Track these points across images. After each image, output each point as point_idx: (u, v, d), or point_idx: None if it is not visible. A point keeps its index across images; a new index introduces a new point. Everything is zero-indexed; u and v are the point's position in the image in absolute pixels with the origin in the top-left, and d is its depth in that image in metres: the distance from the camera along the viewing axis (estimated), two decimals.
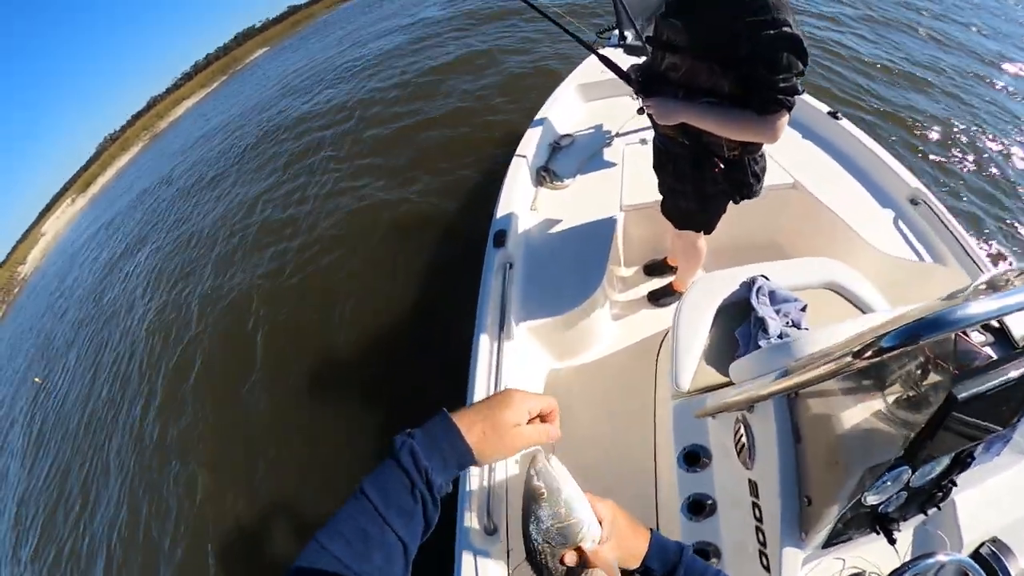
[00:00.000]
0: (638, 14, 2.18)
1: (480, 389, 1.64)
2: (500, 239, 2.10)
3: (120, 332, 6.02)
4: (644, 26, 2.11)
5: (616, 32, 2.55)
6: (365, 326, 3.51)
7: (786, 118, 1.29)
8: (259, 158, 8.00)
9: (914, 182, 2.13)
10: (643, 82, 1.52)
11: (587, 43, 1.75)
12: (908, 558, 0.83)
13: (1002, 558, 0.99)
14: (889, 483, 0.81)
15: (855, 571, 0.98)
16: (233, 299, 4.73)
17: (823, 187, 2.20)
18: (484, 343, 1.76)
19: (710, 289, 1.51)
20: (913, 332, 0.58)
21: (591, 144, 2.74)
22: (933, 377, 0.76)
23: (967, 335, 0.87)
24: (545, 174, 2.53)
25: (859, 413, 0.79)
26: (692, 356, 1.38)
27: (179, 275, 6.09)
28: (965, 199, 3.80)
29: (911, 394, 0.77)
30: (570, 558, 0.56)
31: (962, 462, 0.87)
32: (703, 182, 1.63)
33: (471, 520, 1.38)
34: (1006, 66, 5.53)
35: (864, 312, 1.47)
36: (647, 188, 1.95)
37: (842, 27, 6.45)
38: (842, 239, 2.07)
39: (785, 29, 1.17)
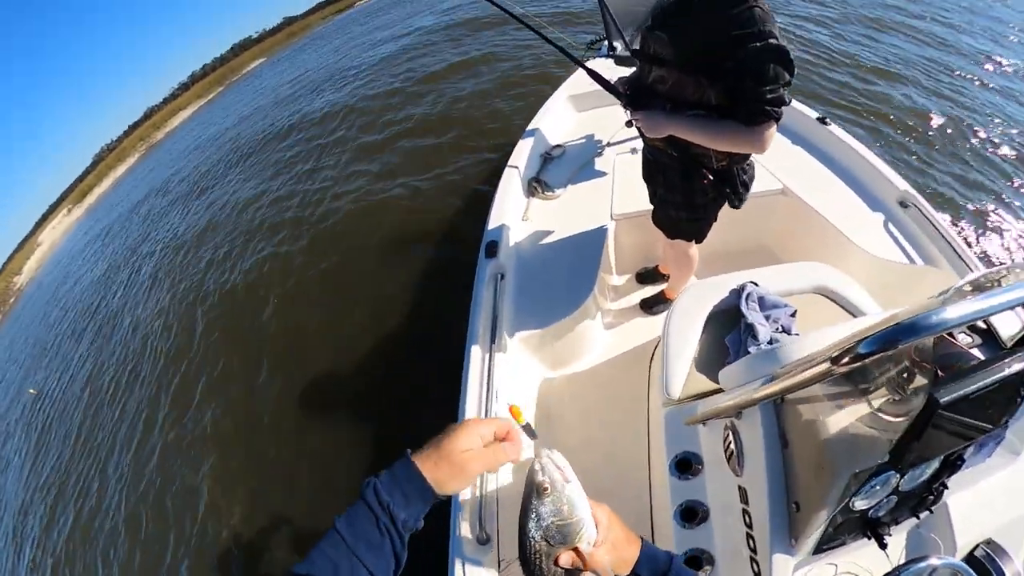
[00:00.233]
0: (627, 25, 2.19)
1: (472, 400, 1.63)
2: (492, 249, 2.11)
3: (116, 343, 6.00)
4: (633, 37, 2.13)
5: (606, 43, 2.58)
6: (363, 332, 3.51)
7: (774, 128, 1.29)
8: (254, 168, 8.06)
9: (903, 185, 2.15)
10: (631, 95, 1.53)
11: (575, 57, 1.76)
12: (901, 562, 0.83)
13: (997, 560, 0.98)
14: (877, 488, 0.81)
15: None
16: (229, 308, 4.74)
17: (813, 192, 2.22)
18: (476, 354, 1.76)
19: (700, 296, 1.51)
20: (890, 338, 0.58)
21: (582, 154, 2.76)
22: (918, 380, 0.76)
23: (953, 337, 0.87)
24: (536, 184, 2.54)
25: (845, 418, 0.79)
26: (682, 364, 1.38)
27: (175, 285, 6.08)
28: (953, 199, 3.83)
29: (896, 398, 0.77)
30: (566, 559, 0.56)
31: (952, 464, 0.86)
32: (693, 192, 1.64)
33: (464, 530, 1.38)
34: (988, 66, 5.63)
35: (855, 316, 1.47)
36: (638, 197, 1.97)
37: (824, 28, 6.56)
38: (832, 243, 2.08)
39: (771, 41, 1.18)
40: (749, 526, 0.99)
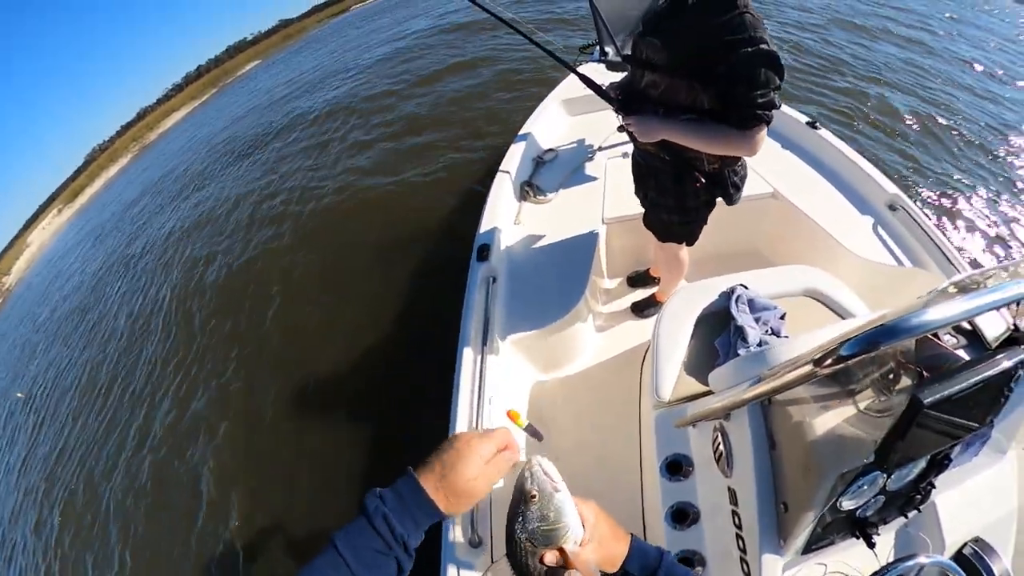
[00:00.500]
0: (619, 31, 2.20)
1: (464, 404, 1.63)
2: (483, 253, 2.11)
3: (108, 344, 5.93)
4: (624, 42, 2.14)
5: (597, 48, 2.59)
6: (359, 331, 3.50)
7: (764, 132, 1.31)
8: (247, 171, 8.04)
9: (892, 188, 2.17)
10: (623, 100, 1.54)
11: (567, 62, 1.77)
12: (890, 561, 0.83)
13: (985, 558, 0.99)
14: (864, 488, 0.81)
15: (837, 575, 0.98)
16: (224, 308, 4.70)
17: (802, 195, 2.24)
18: (468, 357, 1.76)
19: (689, 300, 1.52)
20: (871, 340, 0.58)
21: (574, 158, 2.77)
22: (903, 381, 0.77)
23: (938, 338, 0.88)
24: (528, 188, 2.55)
25: (831, 419, 0.80)
26: (672, 366, 1.39)
27: (167, 285, 6.03)
28: (941, 202, 3.88)
29: (882, 399, 0.77)
30: (550, 557, 0.57)
31: (939, 464, 0.87)
32: (684, 196, 1.66)
33: (456, 533, 1.38)
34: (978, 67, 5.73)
35: (844, 318, 1.48)
36: (629, 201, 1.98)
37: (811, 33, 6.65)
38: (822, 246, 2.09)
39: (762, 46, 1.20)
40: (739, 527, 0.99)
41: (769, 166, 2.39)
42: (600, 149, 2.77)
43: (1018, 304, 0.86)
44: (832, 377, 0.81)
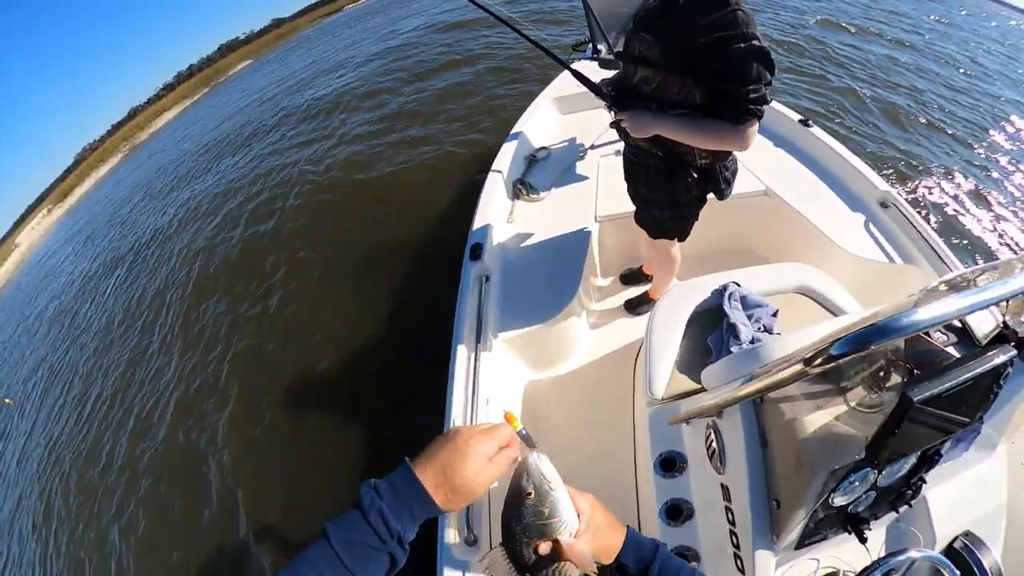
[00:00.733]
0: (611, 28, 2.20)
1: (458, 403, 1.63)
2: (476, 252, 2.11)
3: (95, 348, 5.88)
4: (617, 40, 2.14)
5: (590, 46, 2.59)
6: (352, 333, 3.49)
7: (756, 126, 1.33)
8: (238, 169, 8.00)
9: (883, 186, 2.18)
10: (616, 96, 1.55)
11: (560, 59, 1.77)
12: (881, 555, 0.84)
13: (975, 551, 1.00)
14: (855, 484, 0.82)
15: (829, 570, 0.98)
16: (213, 313, 4.66)
17: (795, 193, 2.24)
18: (461, 357, 1.76)
19: (682, 297, 1.52)
20: (861, 339, 0.59)
21: (566, 157, 2.77)
22: (894, 379, 0.77)
23: (929, 336, 0.89)
24: (521, 187, 2.55)
25: (823, 417, 0.80)
26: (665, 364, 1.39)
27: (158, 286, 5.99)
28: (932, 199, 3.92)
29: (872, 396, 0.78)
30: (544, 548, 0.58)
31: (930, 459, 0.88)
32: (676, 191, 1.66)
33: (452, 531, 1.38)
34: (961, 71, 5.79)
35: (836, 315, 1.49)
36: (622, 199, 1.98)
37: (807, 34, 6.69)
38: (814, 244, 2.10)
39: (754, 43, 1.21)
40: (732, 523, 0.99)
41: (761, 164, 2.39)
42: (592, 147, 2.77)
43: (1007, 302, 0.87)
44: (823, 375, 0.81)
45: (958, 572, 0.84)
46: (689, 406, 1.13)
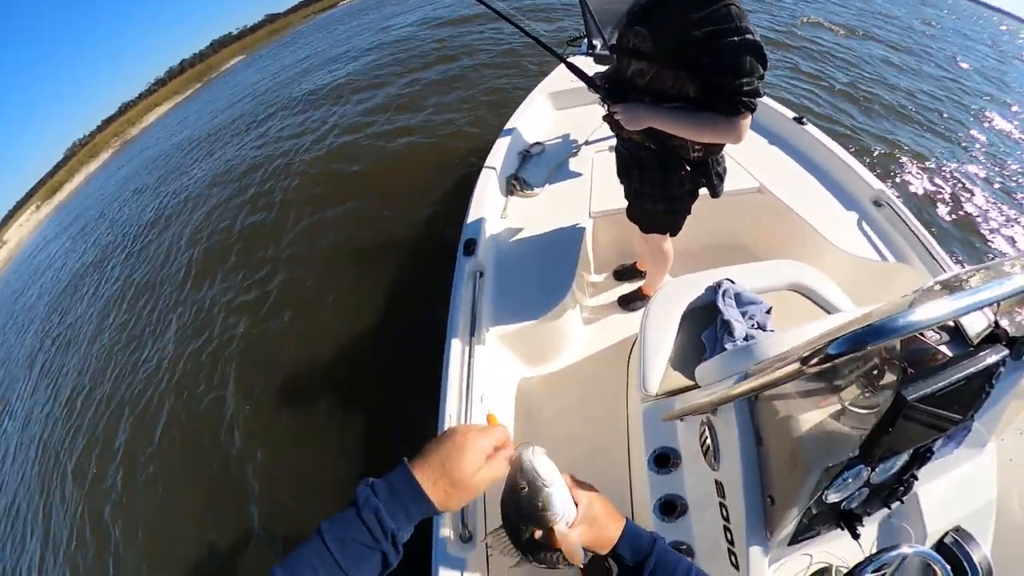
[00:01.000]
0: (606, 23, 2.21)
1: (452, 400, 1.62)
2: (470, 247, 2.10)
3: (86, 344, 5.81)
4: (612, 35, 2.15)
5: (586, 41, 2.59)
6: (345, 329, 3.48)
7: (749, 119, 1.35)
8: (233, 168, 7.90)
9: (877, 184, 2.20)
10: (610, 89, 1.55)
11: (556, 52, 1.78)
12: (873, 551, 0.85)
13: (965, 546, 1.02)
14: (849, 481, 0.82)
15: (822, 566, 0.99)
16: (207, 307, 4.64)
17: (789, 191, 2.25)
18: (455, 353, 1.75)
19: (676, 294, 1.52)
20: (859, 340, 0.59)
21: (560, 152, 2.77)
22: (888, 377, 0.77)
23: (922, 334, 0.89)
24: (515, 182, 2.54)
25: (817, 414, 0.81)
26: (660, 360, 1.39)
27: (148, 287, 5.93)
28: (926, 198, 3.95)
29: (867, 394, 0.78)
30: (539, 534, 0.61)
31: (921, 456, 0.89)
32: (670, 184, 1.67)
33: (447, 528, 1.38)
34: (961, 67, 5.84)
35: (829, 312, 1.49)
36: (616, 195, 1.98)
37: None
38: (808, 241, 2.11)
39: (747, 36, 1.23)
40: (726, 519, 1.00)
41: (755, 161, 2.40)
42: (587, 143, 2.77)
43: (999, 303, 0.88)
44: (818, 373, 0.81)
45: (948, 567, 0.85)
46: (683, 402, 1.13)
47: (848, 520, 0.90)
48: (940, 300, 0.57)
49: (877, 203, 2.16)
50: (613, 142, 2.47)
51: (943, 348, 0.83)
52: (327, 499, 2.51)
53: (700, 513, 1.17)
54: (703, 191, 1.71)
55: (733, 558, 0.98)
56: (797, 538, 0.92)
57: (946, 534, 1.04)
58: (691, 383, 1.29)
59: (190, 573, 2.67)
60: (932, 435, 0.81)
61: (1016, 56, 9.57)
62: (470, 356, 1.73)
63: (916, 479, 0.92)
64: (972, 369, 0.72)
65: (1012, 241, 3.75)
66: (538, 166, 2.69)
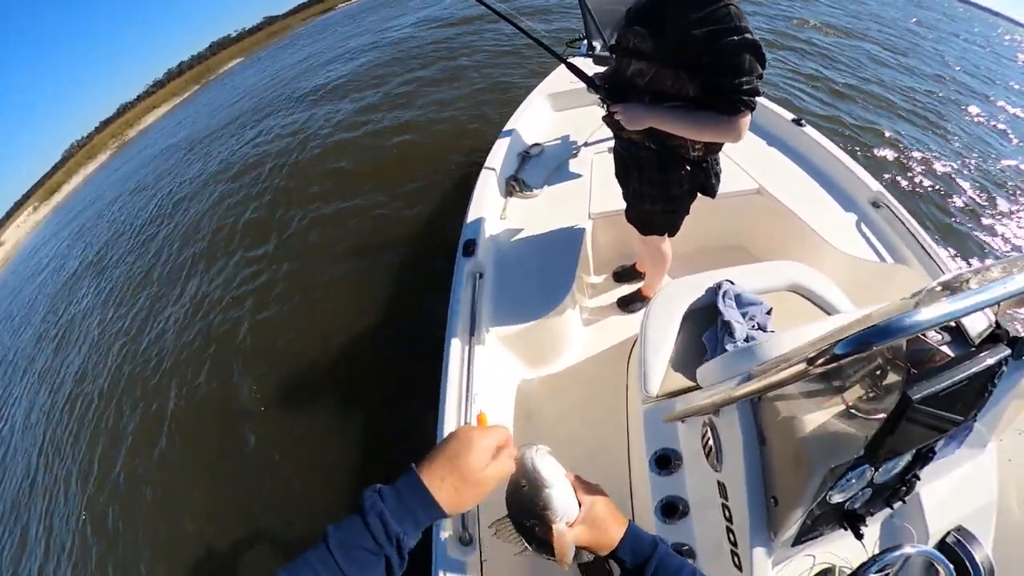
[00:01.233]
0: (606, 24, 2.22)
1: (451, 402, 1.62)
2: (470, 248, 2.10)
3: (83, 351, 5.77)
4: (611, 35, 2.15)
5: (585, 42, 2.60)
6: (345, 330, 3.49)
7: (749, 118, 1.36)
8: (232, 166, 7.93)
9: (876, 185, 2.20)
10: (610, 89, 1.55)
11: (556, 53, 1.78)
12: (876, 551, 0.85)
13: (967, 546, 1.02)
14: (853, 481, 0.83)
15: (825, 566, 0.99)
16: (205, 309, 4.63)
17: (788, 192, 2.26)
18: (455, 354, 1.75)
19: (677, 295, 1.53)
20: (865, 340, 0.59)
21: (560, 153, 2.77)
22: (891, 378, 0.77)
23: (924, 335, 0.89)
24: (515, 183, 2.55)
25: (821, 415, 0.81)
26: (660, 361, 1.39)
27: (146, 286, 5.92)
28: (924, 200, 3.96)
29: (870, 395, 0.78)
30: (540, 530, 0.62)
31: (924, 457, 0.89)
32: (669, 184, 1.68)
33: (447, 531, 1.37)
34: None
35: (829, 313, 1.50)
36: (615, 196, 1.98)
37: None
38: (807, 242, 2.12)
39: (747, 36, 1.25)
40: (729, 520, 1.00)
41: (754, 162, 2.41)
42: (586, 144, 2.78)
43: (999, 303, 0.88)
44: (822, 374, 0.81)
45: (951, 566, 0.85)
46: (685, 403, 1.13)
47: (851, 520, 0.90)
48: (945, 300, 0.58)
49: (875, 204, 2.16)
50: (612, 143, 2.48)
51: (944, 348, 0.83)
52: (327, 497, 2.52)
53: (702, 514, 1.17)
54: (702, 195, 1.72)
55: (736, 559, 0.98)
56: (800, 539, 0.92)
57: (948, 534, 1.04)
58: (692, 384, 1.29)
59: (187, 574, 2.66)
60: (936, 435, 0.81)
61: (1010, 57, 9.65)
62: (470, 357, 1.73)
63: (919, 479, 0.92)
64: (975, 369, 0.72)
65: (1012, 241, 3.77)
66: (537, 167, 2.70)
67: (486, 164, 2.60)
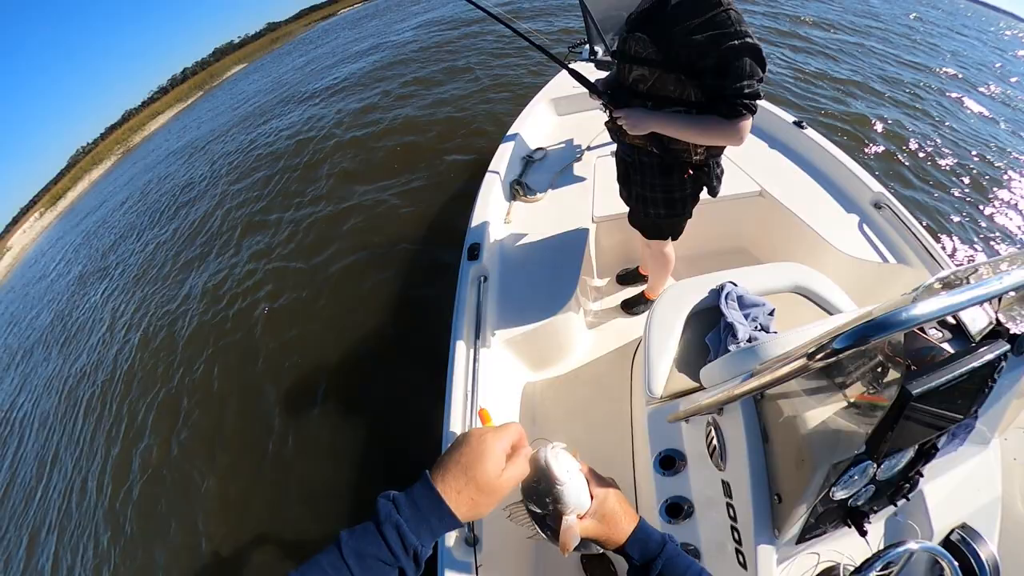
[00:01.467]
0: (608, 29, 2.24)
1: (457, 405, 1.63)
2: (474, 252, 2.12)
3: (89, 356, 5.80)
4: (613, 41, 2.17)
5: (587, 47, 2.62)
6: (351, 333, 3.51)
7: (750, 121, 1.37)
8: (233, 173, 7.99)
9: (877, 187, 2.21)
10: (612, 95, 1.57)
11: (558, 58, 1.79)
12: (880, 548, 0.85)
13: (972, 543, 1.02)
14: (855, 477, 0.83)
15: (830, 564, 0.99)
16: (210, 317, 4.65)
17: (789, 194, 2.27)
18: (460, 357, 1.76)
19: (680, 297, 1.54)
20: (863, 333, 0.60)
21: (563, 158, 2.79)
22: (892, 374, 0.78)
23: (924, 332, 0.90)
24: (518, 188, 2.56)
25: (823, 412, 0.82)
26: (664, 363, 1.40)
27: (153, 291, 5.94)
28: (925, 201, 3.96)
29: (871, 391, 0.79)
30: (551, 520, 0.63)
31: (926, 453, 0.89)
32: (671, 188, 1.69)
33: (452, 532, 1.38)
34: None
35: (831, 313, 1.51)
36: (618, 199, 2.00)
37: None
38: (809, 244, 2.13)
39: (747, 40, 1.26)
40: (733, 519, 1.00)
41: (756, 165, 2.42)
42: (589, 148, 2.80)
43: (999, 299, 0.89)
44: (823, 371, 0.82)
45: (956, 563, 0.86)
46: (688, 404, 1.14)
47: (855, 518, 0.90)
48: (941, 296, 0.59)
49: (877, 205, 2.17)
50: (614, 147, 2.50)
51: (945, 346, 0.84)
52: (330, 500, 2.53)
53: (706, 514, 1.18)
54: (705, 197, 1.73)
55: (741, 557, 0.98)
56: (804, 536, 0.93)
57: (952, 531, 1.04)
58: (696, 385, 1.30)
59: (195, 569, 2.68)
60: (937, 431, 0.82)
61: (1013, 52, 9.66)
62: (475, 360, 1.74)
63: (922, 476, 0.93)
64: (974, 364, 0.72)
65: (1016, 239, 3.77)
66: (541, 171, 2.72)
67: (490, 168, 2.62)
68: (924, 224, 2.16)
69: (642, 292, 2.35)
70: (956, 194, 4.16)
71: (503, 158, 2.68)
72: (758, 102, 1.34)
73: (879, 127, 5.01)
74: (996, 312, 0.85)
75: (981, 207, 4.06)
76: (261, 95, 12.57)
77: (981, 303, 0.65)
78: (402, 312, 3.49)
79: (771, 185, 2.32)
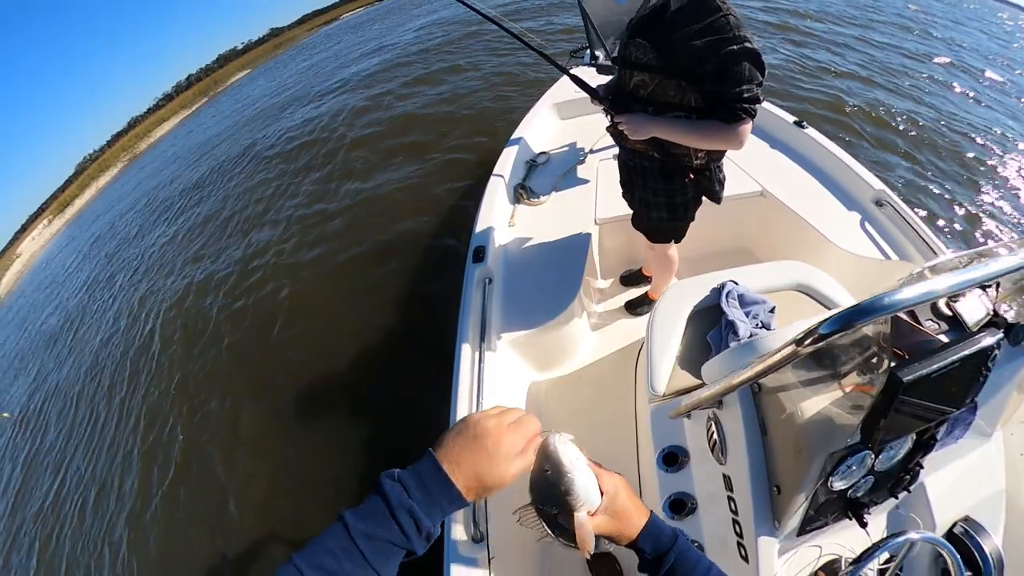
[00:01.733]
0: (608, 34, 2.25)
1: (463, 403, 1.66)
2: (479, 255, 2.14)
3: (96, 358, 5.86)
4: (614, 46, 2.19)
5: (588, 52, 2.64)
6: (358, 336, 3.54)
7: (750, 125, 1.38)
8: (240, 178, 8.08)
9: (878, 184, 2.22)
10: (613, 100, 1.59)
11: (559, 64, 1.82)
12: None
13: (975, 536, 1.02)
14: (853, 467, 0.84)
15: (832, 556, 1.00)
16: (216, 318, 4.69)
17: (791, 193, 2.28)
18: (465, 359, 1.78)
19: (681, 296, 1.55)
20: (848, 318, 0.61)
21: (566, 161, 2.81)
22: (885, 364, 0.80)
23: (920, 324, 0.91)
24: (522, 191, 2.59)
25: (818, 402, 0.83)
26: (666, 361, 1.41)
27: (159, 294, 6.00)
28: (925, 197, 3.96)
29: (865, 381, 0.80)
30: (561, 518, 0.62)
31: (925, 444, 0.90)
32: (673, 192, 1.70)
33: (459, 528, 1.40)
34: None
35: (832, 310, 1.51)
36: (621, 202, 2.02)
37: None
38: (811, 243, 2.13)
39: (747, 45, 1.27)
40: (734, 512, 1.02)
41: (757, 165, 2.43)
42: (592, 151, 2.82)
43: (997, 290, 0.90)
44: (818, 362, 0.84)
45: (958, 555, 0.86)
46: (690, 398, 1.15)
47: (855, 509, 0.91)
48: (926, 281, 0.60)
49: (878, 203, 2.18)
50: (617, 150, 2.52)
51: (943, 337, 0.85)
52: (331, 501, 2.56)
53: (709, 509, 1.19)
54: (707, 200, 1.75)
55: (742, 550, 1.00)
56: (805, 528, 0.94)
57: (955, 524, 1.04)
58: (698, 382, 1.32)
59: (197, 566, 2.71)
60: (932, 419, 0.83)
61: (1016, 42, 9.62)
62: (480, 361, 1.76)
63: (921, 467, 0.94)
64: (966, 351, 0.73)
65: (1013, 233, 3.76)
66: (544, 175, 2.74)
67: (494, 172, 2.64)
68: (923, 216, 2.16)
69: (646, 293, 2.36)
70: (959, 187, 4.15)
71: (507, 162, 2.71)
72: (758, 106, 1.35)
73: (884, 119, 5.01)
74: (994, 303, 0.87)
75: (986, 199, 4.05)
76: (265, 99, 12.67)
77: (967, 287, 0.65)
78: (410, 308, 3.54)
79: (772, 185, 2.33)
